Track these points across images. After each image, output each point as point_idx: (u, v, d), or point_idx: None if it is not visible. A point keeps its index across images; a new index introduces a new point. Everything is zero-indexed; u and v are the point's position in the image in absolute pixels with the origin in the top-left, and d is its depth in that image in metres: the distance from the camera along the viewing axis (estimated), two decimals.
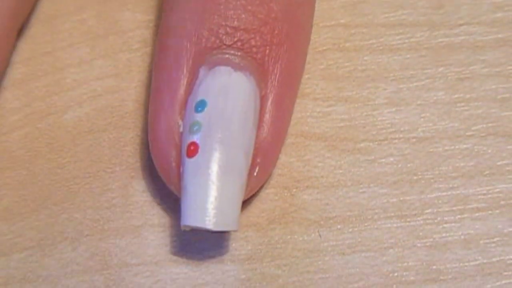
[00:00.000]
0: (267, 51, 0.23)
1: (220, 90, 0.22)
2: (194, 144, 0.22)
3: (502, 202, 0.24)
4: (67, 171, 0.24)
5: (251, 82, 0.23)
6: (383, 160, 0.24)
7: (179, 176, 0.22)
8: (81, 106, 0.25)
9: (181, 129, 0.22)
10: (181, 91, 0.23)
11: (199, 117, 0.22)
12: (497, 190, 0.24)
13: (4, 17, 0.23)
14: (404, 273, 0.23)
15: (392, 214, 0.24)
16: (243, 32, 0.23)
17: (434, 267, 0.23)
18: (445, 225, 0.24)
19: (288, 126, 0.24)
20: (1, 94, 0.25)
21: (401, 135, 0.25)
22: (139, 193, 0.24)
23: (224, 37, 0.23)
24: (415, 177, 0.24)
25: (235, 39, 0.23)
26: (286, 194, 0.24)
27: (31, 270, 0.23)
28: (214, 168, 0.22)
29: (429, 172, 0.24)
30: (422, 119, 0.25)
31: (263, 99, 0.23)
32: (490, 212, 0.24)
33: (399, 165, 0.24)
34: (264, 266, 0.23)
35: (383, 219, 0.24)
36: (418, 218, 0.24)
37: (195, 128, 0.22)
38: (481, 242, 0.24)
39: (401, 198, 0.24)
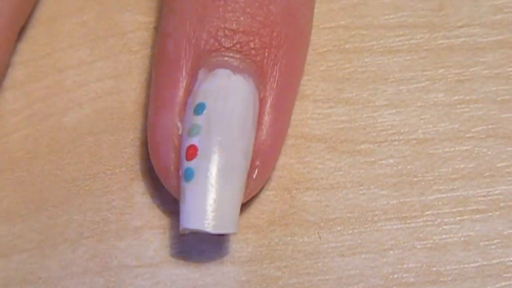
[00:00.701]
0: (266, 53, 0.23)
1: (219, 93, 0.22)
2: (193, 147, 0.22)
3: (502, 204, 0.24)
4: (67, 173, 0.24)
5: (250, 84, 0.23)
6: (383, 161, 0.24)
7: (178, 179, 0.22)
8: (81, 107, 0.25)
9: (180, 132, 0.22)
10: (180, 93, 0.23)
11: (198, 120, 0.22)
12: (497, 192, 0.24)
13: (4, 19, 0.23)
14: (404, 275, 0.23)
15: (392, 216, 0.24)
16: (242, 34, 0.23)
17: (434, 268, 0.23)
18: (445, 227, 0.24)
19: (287, 128, 0.24)
20: (1, 96, 0.25)
21: (401, 137, 0.25)
22: (139, 194, 0.24)
23: (223, 39, 0.23)
24: (415, 179, 0.24)
25: (234, 42, 0.23)
26: (286, 195, 0.24)
27: (31, 271, 0.23)
28: (213, 171, 0.22)
29: (429, 174, 0.24)
30: (422, 121, 0.25)
31: (262, 102, 0.23)
32: (490, 214, 0.24)
33: (399, 167, 0.24)
34: (264, 268, 0.23)
35: (383, 220, 0.24)
36: (418, 220, 0.24)
37: (194, 131, 0.22)
38: (481, 244, 0.24)
39: (401, 200, 0.24)
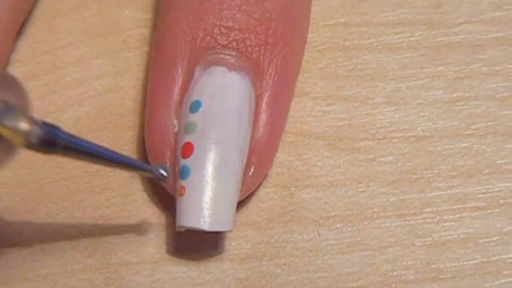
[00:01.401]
0: (262, 50, 0.23)
1: (215, 91, 0.22)
2: (189, 144, 0.22)
3: (502, 201, 0.24)
4: (67, 170, 0.24)
5: (246, 82, 0.23)
6: (383, 159, 0.24)
7: (174, 177, 0.22)
8: (80, 105, 0.25)
9: (176, 129, 0.22)
10: (176, 91, 0.23)
11: (194, 117, 0.22)
12: (497, 189, 0.24)
13: (4, 15, 0.23)
14: (403, 272, 0.23)
15: (391, 213, 0.24)
16: (238, 32, 0.23)
17: (433, 266, 0.23)
18: (444, 224, 0.24)
19: (284, 125, 0.24)
20: None
21: (400, 134, 0.25)
22: (139, 192, 0.24)
23: (219, 37, 0.23)
24: (414, 176, 0.24)
25: (230, 39, 0.23)
26: (285, 193, 0.24)
27: (30, 269, 0.23)
28: (209, 168, 0.22)
29: (429, 171, 0.24)
30: (421, 118, 0.25)
31: (258, 99, 0.23)
32: (489, 211, 0.24)
33: (399, 164, 0.24)
34: (263, 265, 0.23)
35: (382, 218, 0.24)
36: (418, 217, 0.24)
37: (189, 129, 0.22)
38: (480, 241, 0.24)
39: (401, 197, 0.24)
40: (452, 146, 0.25)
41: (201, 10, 0.23)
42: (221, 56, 0.23)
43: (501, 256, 0.23)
